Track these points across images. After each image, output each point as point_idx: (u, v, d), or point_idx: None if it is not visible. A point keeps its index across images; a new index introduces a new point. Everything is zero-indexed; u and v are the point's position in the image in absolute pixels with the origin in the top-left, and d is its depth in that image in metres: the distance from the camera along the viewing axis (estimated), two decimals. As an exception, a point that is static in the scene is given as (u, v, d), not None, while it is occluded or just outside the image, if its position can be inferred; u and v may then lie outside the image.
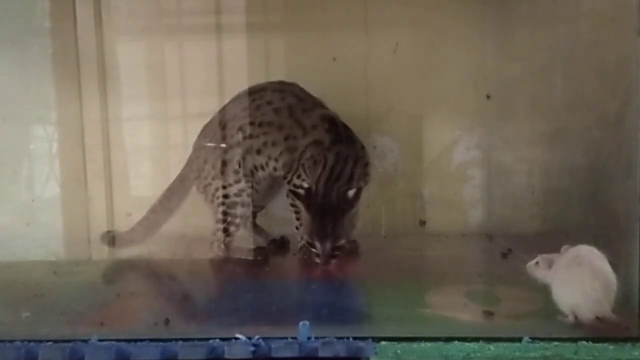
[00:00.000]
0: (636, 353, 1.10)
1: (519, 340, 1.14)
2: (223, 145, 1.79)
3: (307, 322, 1.15)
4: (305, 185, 1.72)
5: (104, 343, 1.15)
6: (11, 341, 1.16)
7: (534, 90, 1.87)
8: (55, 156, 2.05)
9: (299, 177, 1.73)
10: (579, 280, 1.17)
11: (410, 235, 2.02)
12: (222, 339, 1.14)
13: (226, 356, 1.12)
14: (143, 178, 2.12)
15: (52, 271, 1.74)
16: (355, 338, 1.13)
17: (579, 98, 1.58)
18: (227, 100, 1.84)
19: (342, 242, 1.60)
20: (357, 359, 1.11)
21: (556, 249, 1.26)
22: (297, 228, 1.77)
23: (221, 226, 1.76)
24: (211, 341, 1.14)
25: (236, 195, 1.76)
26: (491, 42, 2.03)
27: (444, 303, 1.41)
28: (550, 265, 1.24)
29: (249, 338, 1.14)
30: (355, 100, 2.01)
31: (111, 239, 1.90)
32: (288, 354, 1.12)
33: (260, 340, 1.13)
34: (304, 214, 1.63)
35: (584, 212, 1.52)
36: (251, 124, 1.76)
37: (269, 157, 1.77)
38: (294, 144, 1.74)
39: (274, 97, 1.78)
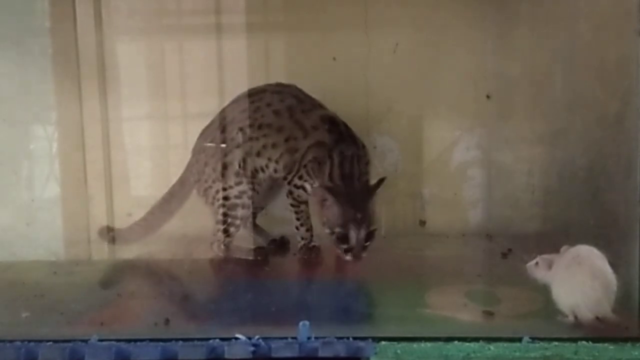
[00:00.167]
0: (636, 353, 1.10)
1: (519, 340, 1.14)
2: (223, 145, 1.79)
3: (307, 322, 1.15)
4: (307, 186, 1.73)
5: (104, 343, 1.15)
6: (11, 341, 1.16)
7: (534, 90, 1.87)
8: (55, 156, 2.05)
9: (300, 178, 1.73)
10: (579, 280, 1.17)
11: (410, 235, 2.02)
12: (222, 339, 1.14)
13: (226, 356, 1.12)
14: (143, 178, 2.12)
15: (52, 271, 1.74)
16: (355, 338, 1.13)
17: (579, 98, 1.58)
18: (226, 103, 1.84)
19: (375, 227, 1.61)
20: (357, 359, 1.11)
21: (556, 249, 1.26)
22: (297, 228, 1.77)
23: (221, 227, 1.76)
24: (211, 341, 1.14)
25: (236, 197, 1.76)
26: (491, 42, 2.03)
27: (444, 303, 1.41)
28: (550, 265, 1.25)
29: (249, 338, 1.14)
30: (355, 100, 2.01)
31: (109, 234, 1.90)
32: (288, 354, 1.12)
33: (260, 340, 1.13)
34: (331, 208, 1.61)
35: (584, 212, 1.52)
36: (251, 126, 1.76)
37: (269, 159, 1.76)
38: (295, 145, 1.74)
39: (273, 99, 1.77)
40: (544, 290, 1.24)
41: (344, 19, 2.04)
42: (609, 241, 1.27)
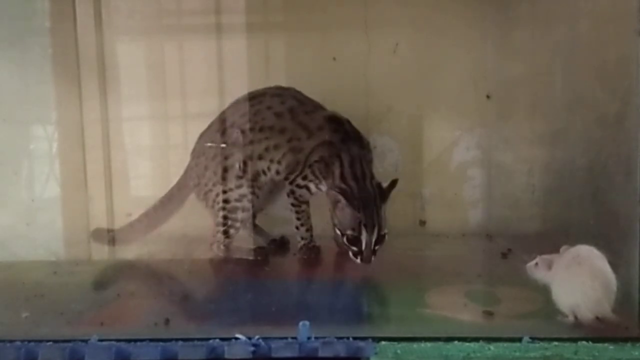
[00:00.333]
0: (636, 353, 1.10)
1: (519, 340, 1.14)
2: (223, 145, 1.79)
3: (307, 322, 1.15)
4: (311, 186, 1.73)
5: (104, 343, 1.15)
6: (11, 341, 1.16)
7: (534, 90, 1.87)
8: (55, 156, 2.05)
9: (304, 178, 1.73)
10: (579, 280, 1.17)
11: (410, 235, 2.02)
12: (222, 339, 1.14)
13: (226, 356, 1.12)
14: (143, 178, 2.12)
15: (52, 271, 1.74)
16: (355, 338, 1.13)
17: (579, 98, 1.58)
18: (226, 103, 1.84)
19: (386, 231, 1.61)
20: (357, 359, 1.11)
21: (556, 249, 1.26)
22: (297, 228, 1.77)
23: (221, 229, 1.76)
24: (211, 341, 1.14)
25: (237, 200, 1.76)
26: (491, 42, 2.03)
27: (444, 303, 1.41)
28: (549, 266, 1.25)
29: (249, 338, 1.14)
30: (355, 100, 2.01)
31: (104, 236, 1.91)
32: (288, 354, 1.12)
33: (260, 340, 1.13)
34: (344, 210, 1.61)
35: (584, 212, 1.52)
36: (251, 129, 1.76)
37: (271, 161, 1.76)
38: (299, 145, 1.74)
39: (273, 102, 1.77)
40: (544, 290, 1.24)
41: (344, 19, 2.04)
42: (609, 241, 1.27)
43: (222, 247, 1.76)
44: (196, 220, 1.88)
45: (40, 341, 1.16)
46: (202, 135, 1.85)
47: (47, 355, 1.13)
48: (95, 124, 2.06)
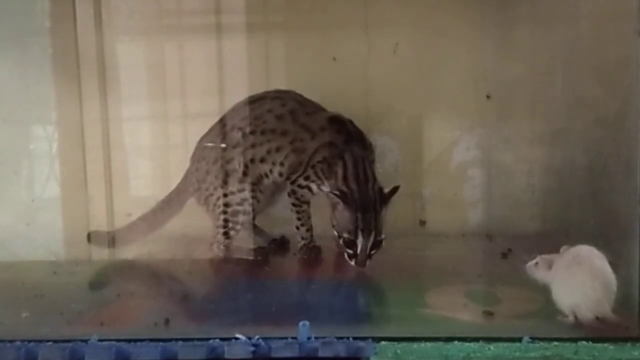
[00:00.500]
0: (636, 353, 1.10)
1: (519, 340, 1.14)
2: (223, 145, 1.79)
3: (307, 322, 1.15)
4: (313, 186, 1.73)
5: (104, 343, 1.15)
6: (11, 341, 1.16)
7: (534, 90, 1.87)
8: (55, 156, 2.05)
9: (306, 178, 1.73)
10: (579, 280, 1.17)
11: (410, 235, 2.02)
12: (222, 339, 1.14)
13: (226, 356, 1.12)
14: (143, 178, 2.12)
15: (52, 271, 1.74)
16: (355, 338, 1.13)
17: (579, 98, 1.58)
18: (225, 104, 1.84)
19: (383, 237, 1.61)
20: (357, 359, 1.11)
21: (556, 249, 1.26)
22: (297, 228, 1.77)
23: (221, 230, 1.76)
24: (211, 341, 1.14)
25: (238, 204, 1.76)
26: (491, 42, 2.03)
27: (444, 303, 1.41)
28: (549, 265, 1.25)
29: (249, 338, 1.14)
30: (355, 100, 2.00)
31: (100, 238, 1.91)
32: (288, 354, 1.12)
33: (260, 340, 1.13)
34: (342, 212, 1.61)
35: (584, 212, 1.52)
36: (252, 133, 1.76)
37: (273, 164, 1.76)
38: (302, 145, 1.74)
39: (273, 105, 1.77)
40: (544, 290, 1.24)
41: (344, 19, 2.04)
42: (609, 241, 1.27)
43: (222, 247, 1.76)
44: (196, 221, 1.88)
45: (40, 341, 1.16)
46: (201, 140, 1.84)
47: (47, 355, 1.13)
48: (95, 124, 2.06)
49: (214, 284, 1.70)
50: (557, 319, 1.21)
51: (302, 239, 1.76)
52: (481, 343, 1.13)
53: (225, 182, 1.76)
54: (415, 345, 1.13)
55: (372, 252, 1.59)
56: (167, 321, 1.27)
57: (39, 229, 1.98)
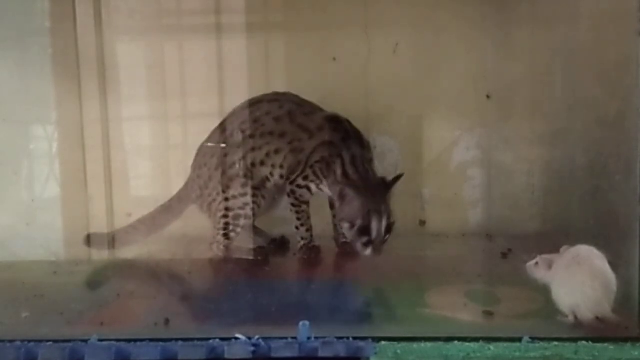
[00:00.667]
0: (636, 353, 1.10)
1: (519, 340, 1.14)
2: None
3: (307, 322, 1.15)
4: (312, 186, 1.73)
5: (104, 343, 1.15)
6: (11, 341, 1.16)
7: (534, 90, 1.87)
8: (55, 156, 2.05)
9: (305, 178, 1.73)
10: (579, 280, 1.17)
11: (410, 235, 2.02)
12: (222, 339, 1.14)
13: (226, 356, 1.12)
14: (143, 178, 2.12)
15: (52, 271, 1.74)
16: (355, 338, 1.13)
17: (579, 98, 1.58)
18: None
19: (393, 220, 1.62)
20: (357, 359, 1.11)
21: (556, 249, 1.26)
22: (297, 228, 1.77)
23: (222, 232, 1.76)
24: (211, 341, 1.14)
25: (240, 208, 1.76)
26: (491, 42, 2.03)
27: (444, 303, 1.41)
28: (550, 265, 1.25)
29: (249, 338, 1.14)
30: (355, 100, 2.01)
31: (97, 240, 1.90)
32: (288, 354, 1.12)
33: (260, 340, 1.13)
34: (351, 202, 1.62)
35: (584, 212, 1.52)
36: (252, 137, 1.76)
37: (273, 166, 1.76)
38: (300, 145, 1.74)
39: (271, 107, 1.77)
40: (544, 290, 1.24)
41: (344, 19, 2.03)
42: (609, 241, 1.27)
43: (222, 247, 1.76)
44: (196, 221, 1.88)
45: (40, 341, 1.16)
46: (201, 148, 1.84)
47: (47, 355, 1.13)
48: (95, 124, 2.06)
49: (214, 284, 1.69)
50: (557, 319, 1.20)
51: (302, 239, 1.76)
52: (481, 343, 1.13)
53: (228, 187, 1.76)
54: (415, 345, 1.13)
55: (386, 237, 1.60)
56: (167, 321, 1.27)
57: (39, 229, 1.98)
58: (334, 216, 1.81)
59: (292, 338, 1.14)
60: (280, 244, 1.87)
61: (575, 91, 1.61)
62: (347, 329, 1.19)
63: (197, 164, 1.84)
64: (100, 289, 1.67)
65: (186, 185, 1.87)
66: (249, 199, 1.75)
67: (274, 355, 1.12)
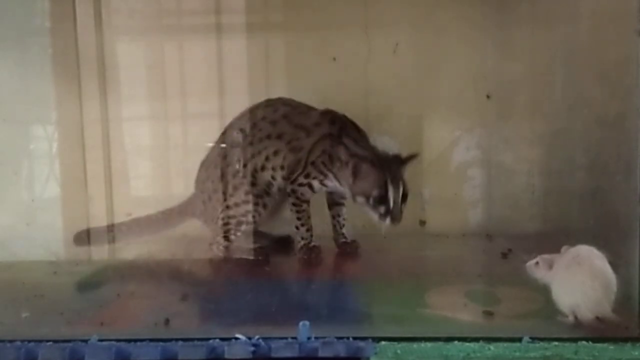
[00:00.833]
0: (636, 353, 1.10)
1: (519, 340, 1.14)
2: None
3: (307, 322, 1.15)
4: (315, 183, 1.73)
5: (104, 343, 1.15)
6: (11, 341, 1.16)
7: (534, 90, 1.87)
8: (55, 156, 2.05)
9: (307, 176, 1.73)
10: (579, 280, 1.17)
11: (410, 235, 2.02)
12: (222, 339, 1.14)
13: (226, 356, 1.12)
14: (143, 178, 2.12)
15: (52, 271, 1.74)
16: (355, 338, 1.13)
17: (579, 98, 1.58)
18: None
19: (408, 189, 1.65)
20: (357, 359, 1.11)
21: (556, 249, 1.26)
22: (297, 228, 1.77)
23: (222, 234, 1.77)
24: (211, 341, 1.14)
25: (242, 215, 1.76)
26: (491, 42, 2.03)
27: (444, 303, 1.41)
28: (550, 265, 1.25)
29: (249, 338, 1.14)
30: (355, 100, 2.01)
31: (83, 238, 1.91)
32: (288, 354, 1.12)
33: (260, 340, 1.13)
34: (366, 173, 1.64)
35: (584, 212, 1.52)
36: (251, 144, 1.76)
37: (274, 169, 1.76)
38: (298, 144, 1.74)
39: (266, 112, 1.78)
40: (544, 290, 1.24)
41: (344, 19, 2.04)
42: (609, 241, 1.27)
43: (221, 247, 1.76)
44: (196, 221, 1.88)
45: (40, 341, 1.16)
46: (203, 163, 1.84)
47: (47, 355, 1.13)
48: (95, 124, 2.06)
49: (214, 284, 1.69)
50: (557, 319, 1.21)
51: (302, 239, 1.76)
52: (481, 343, 1.13)
53: (230, 195, 1.76)
54: (415, 345, 1.13)
55: (402, 206, 1.62)
56: (167, 321, 1.27)
57: (39, 229, 1.98)
58: (333, 216, 1.82)
59: (292, 338, 1.14)
60: (285, 244, 1.87)
61: (575, 91, 1.61)
62: (347, 329, 1.19)
63: (200, 180, 1.84)
64: (100, 289, 1.67)
65: (189, 200, 1.87)
66: (250, 206, 1.75)
67: (274, 355, 1.12)
